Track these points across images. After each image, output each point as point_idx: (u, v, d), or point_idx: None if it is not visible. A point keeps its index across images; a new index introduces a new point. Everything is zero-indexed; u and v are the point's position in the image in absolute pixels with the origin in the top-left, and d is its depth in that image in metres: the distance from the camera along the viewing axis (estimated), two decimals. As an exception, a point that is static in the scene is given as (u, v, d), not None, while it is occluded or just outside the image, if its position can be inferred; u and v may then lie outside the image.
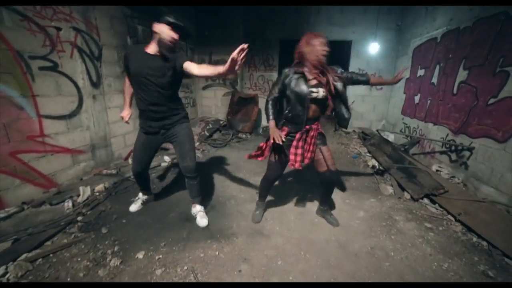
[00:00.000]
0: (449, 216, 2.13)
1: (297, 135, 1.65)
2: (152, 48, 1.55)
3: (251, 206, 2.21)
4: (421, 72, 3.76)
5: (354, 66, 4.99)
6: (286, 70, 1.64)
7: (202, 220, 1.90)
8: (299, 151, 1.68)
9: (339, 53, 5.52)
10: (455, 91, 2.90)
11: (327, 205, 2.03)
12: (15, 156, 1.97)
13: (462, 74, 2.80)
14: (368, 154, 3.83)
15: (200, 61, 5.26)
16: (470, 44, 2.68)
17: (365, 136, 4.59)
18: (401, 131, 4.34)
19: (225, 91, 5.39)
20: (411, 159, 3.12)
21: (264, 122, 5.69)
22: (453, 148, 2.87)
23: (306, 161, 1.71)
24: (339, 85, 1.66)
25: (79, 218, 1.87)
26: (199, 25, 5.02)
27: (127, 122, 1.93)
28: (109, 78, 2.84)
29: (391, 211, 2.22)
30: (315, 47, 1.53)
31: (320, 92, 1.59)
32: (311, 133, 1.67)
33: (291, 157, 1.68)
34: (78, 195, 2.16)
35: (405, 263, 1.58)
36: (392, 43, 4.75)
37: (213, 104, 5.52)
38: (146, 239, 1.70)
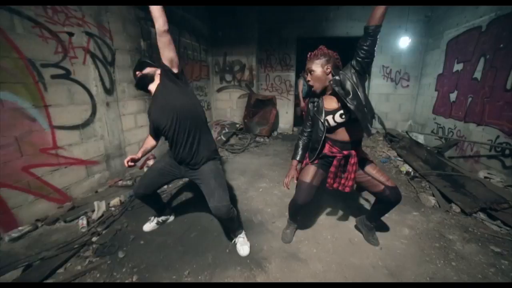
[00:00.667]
0: (518, 236, 1.80)
1: (335, 162, 1.47)
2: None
3: (281, 222, 1.98)
4: (458, 67, 3.39)
5: (378, 63, 4.65)
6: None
7: (243, 248, 1.62)
8: (337, 180, 1.53)
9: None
10: (509, 86, 2.53)
11: (374, 222, 1.73)
12: (28, 171, 1.85)
13: (519, 66, 2.43)
14: (399, 159, 3.50)
15: (214, 63, 5.09)
16: (529, 31, 2.32)
17: (392, 138, 4.24)
18: (432, 132, 3.96)
19: (240, 93, 5.19)
20: (454, 165, 2.78)
21: (282, 125, 5.45)
22: (507, 152, 2.51)
23: (347, 189, 1.49)
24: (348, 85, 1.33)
25: (94, 239, 1.71)
26: (212, 26, 4.85)
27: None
28: (122, 83, 2.70)
29: (441, 227, 1.91)
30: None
31: (334, 119, 1.42)
32: (352, 160, 1.44)
33: (329, 180, 1.53)
34: (93, 211, 2.02)
35: (478, 300, 1.30)
36: (419, 36, 4.37)
37: (228, 107, 5.34)
38: (167, 265, 1.50)
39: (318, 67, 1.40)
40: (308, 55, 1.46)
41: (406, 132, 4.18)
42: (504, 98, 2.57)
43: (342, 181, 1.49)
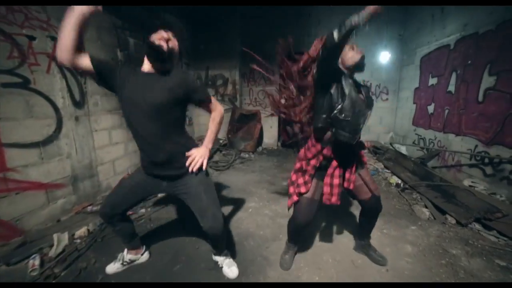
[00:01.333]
0: (516, 246, 1.77)
1: (334, 162, 1.32)
2: (145, 66, 1.18)
3: (275, 246, 1.78)
4: (433, 81, 3.59)
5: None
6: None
7: (231, 270, 1.47)
8: (337, 181, 1.32)
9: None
10: (480, 98, 2.68)
11: (368, 239, 1.67)
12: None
13: (488, 80, 2.59)
14: (386, 170, 3.51)
15: (196, 77, 4.94)
16: (496, 48, 2.50)
17: (376, 150, 4.31)
18: (414, 142, 4.10)
19: (224, 108, 5.03)
20: (440, 175, 2.82)
21: (266, 140, 5.34)
22: (486, 160, 2.60)
23: (352, 186, 1.37)
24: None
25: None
26: (194, 39, 4.76)
27: None
28: (95, 96, 2.42)
29: (442, 242, 1.84)
30: None
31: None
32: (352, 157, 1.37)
33: (325, 189, 1.34)
34: (52, 246, 1.66)
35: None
36: (396, 53, 4.65)
37: (211, 122, 5.14)
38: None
39: None
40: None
41: (390, 143, 4.28)
42: (478, 110, 2.71)
43: (347, 176, 1.35)
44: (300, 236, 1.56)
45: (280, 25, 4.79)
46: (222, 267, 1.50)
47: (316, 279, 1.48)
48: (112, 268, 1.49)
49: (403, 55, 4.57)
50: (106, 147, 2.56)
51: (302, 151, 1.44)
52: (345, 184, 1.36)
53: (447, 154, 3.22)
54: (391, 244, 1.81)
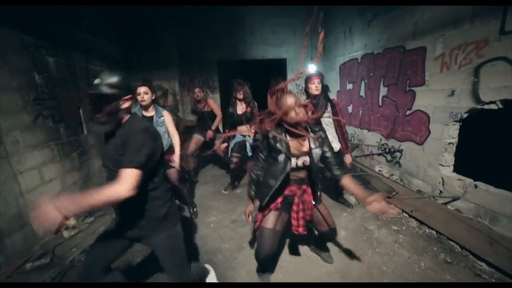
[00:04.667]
0: (404, 214, 2.54)
1: (296, 199, 1.52)
2: None
3: (241, 256, 2.03)
4: (349, 86, 4.42)
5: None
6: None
7: None
8: (301, 214, 1.53)
9: (276, 70, 5.90)
10: (380, 103, 3.52)
11: (320, 248, 1.99)
12: None
13: (383, 90, 3.43)
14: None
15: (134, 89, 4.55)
16: (384, 66, 3.32)
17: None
18: (339, 136, 4.97)
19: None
20: (360, 166, 3.60)
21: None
22: (387, 150, 3.48)
23: (308, 217, 1.56)
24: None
25: None
26: (125, 49, 4.36)
27: None
28: (13, 132, 2.06)
29: (364, 222, 2.47)
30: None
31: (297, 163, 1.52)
32: (308, 190, 1.57)
33: (293, 222, 1.54)
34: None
35: (397, 274, 1.77)
36: (321, 60, 5.40)
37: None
38: None
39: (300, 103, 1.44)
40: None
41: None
42: (379, 112, 3.56)
43: (301, 214, 1.53)
44: (267, 264, 1.75)
45: (216, 33, 4.88)
46: None
47: (279, 276, 1.81)
48: None
49: (325, 61, 5.37)
50: (38, 188, 2.23)
51: None
52: (301, 222, 1.54)
53: (364, 146, 4.10)
54: (340, 233, 2.27)
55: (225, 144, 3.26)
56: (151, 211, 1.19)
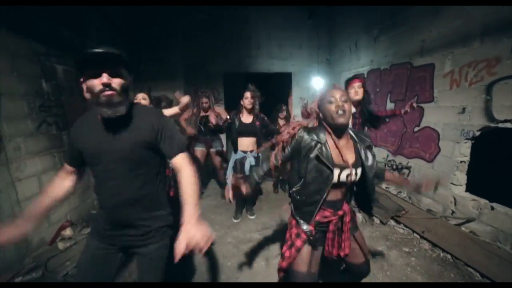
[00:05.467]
0: (415, 235, 2.42)
1: (331, 227, 1.23)
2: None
3: (245, 275, 1.92)
4: (354, 101, 4.40)
5: (296, 95, 5.43)
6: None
7: None
8: (336, 244, 1.25)
9: (282, 84, 5.95)
10: (387, 119, 3.47)
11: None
12: None
13: (390, 105, 3.40)
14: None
15: (138, 98, 4.59)
16: (391, 82, 3.31)
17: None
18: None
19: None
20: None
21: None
22: (394, 167, 3.39)
23: (347, 250, 1.25)
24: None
25: None
26: (133, 58, 4.44)
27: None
28: (16, 139, 2.03)
29: (372, 241, 2.34)
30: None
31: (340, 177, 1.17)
32: (347, 219, 1.23)
33: (327, 248, 1.27)
34: None
35: (411, 302, 1.64)
36: (326, 74, 5.43)
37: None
38: None
39: (349, 99, 1.16)
40: (334, 85, 1.28)
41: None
42: (386, 128, 3.51)
43: (342, 244, 1.24)
44: None
45: (222, 47, 4.95)
46: None
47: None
48: None
49: (331, 76, 5.40)
50: (36, 197, 2.17)
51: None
52: (341, 253, 1.24)
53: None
54: None
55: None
56: (166, 207, 1.13)
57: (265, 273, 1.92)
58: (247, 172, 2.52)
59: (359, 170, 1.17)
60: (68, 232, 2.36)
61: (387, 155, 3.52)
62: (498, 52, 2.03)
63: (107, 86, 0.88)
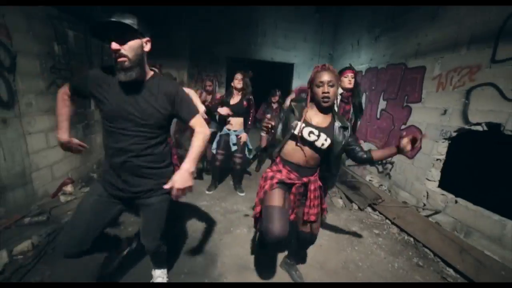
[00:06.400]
0: (387, 221, 2.66)
1: (293, 189, 1.38)
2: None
3: (228, 237, 2.14)
4: (350, 97, 4.57)
5: (296, 85, 5.56)
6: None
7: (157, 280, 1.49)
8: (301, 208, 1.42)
9: (283, 73, 6.07)
10: (378, 116, 3.67)
11: (294, 260, 1.74)
12: None
13: (382, 103, 3.58)
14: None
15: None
16: (386, 81, 3.48)
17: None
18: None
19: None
20: (352, 173, 3.73)
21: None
22: (379, 161, 3.61)
23: (312, 217, 1.39)
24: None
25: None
26: (146, 23, 4.51)
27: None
28: (28, 95, 2.18)
29: (348, 223, 2.58)
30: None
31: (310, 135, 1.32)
32: (312, 187, 1.37)
33: (292, 205, 1.40)
34: (-14, 265, 1.54)
35: (371, 270, 1.89)
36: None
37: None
38: None
39: (336, 82, 1.30)
40: (321, 66, 1.35)
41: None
42: (377, 124, 3.71)
43: (306, 210, 1.39)
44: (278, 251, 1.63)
45: (228, 31, 5.03)
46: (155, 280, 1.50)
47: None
48: None
49: (331, 72, 5.53)
50: (43, 151, 2.34)
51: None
52: (305, 218, 1.40)
53: (357, 155, 4.24)
54: (324, 231, 2.38)
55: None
56: (165, 167, 1.24)
57: (246, 238, 2.15)
58: (233, 147, 2.83)
59: (326, 139, 1.30)
60: (69, 188, 2.55)
61: (374, 150, 3.74)
62: (479, 61, 2.21)
63: (116, 52, 0.98)
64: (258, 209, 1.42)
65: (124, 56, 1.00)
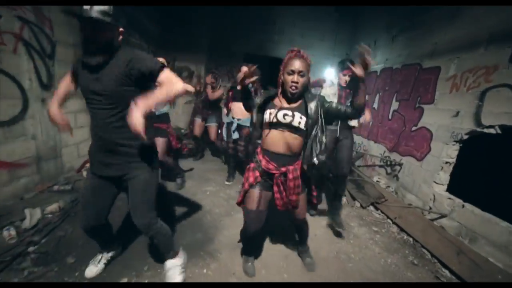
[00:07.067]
0: (388, 220, 2.65)
1: (274, 180, 1.41)
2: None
3: (228, 219, 2.28)
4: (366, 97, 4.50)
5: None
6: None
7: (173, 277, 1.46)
8: (284, 195, 1.43)
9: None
10: (390, 117, 3.61)
11: (303, 247, 1.86)
12: None
13: (394, 104, 3.52)
14: (323, 166, 4.33)
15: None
16: (400, 82, 3.41)
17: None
18: (347, 145, 5.06)
19: (187, 99, 5.26)
20: (359, 172, 3.71)
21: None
22: (388, 163, 3.55)
23: (293, 203, 1.45)
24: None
25: (31, 248, 1.59)
26: (162, 29, 4.81)
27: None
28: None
29: (347, 218, 2.61)
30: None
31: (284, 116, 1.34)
32: (290, 176, 1.36)
33: (278, 202, 1.45)
34: (23, 219, 1.82)
35: (362, 263, 1.92)
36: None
37: (174, 112, 5.30)
38: (124, 264, 1.58)
39: (306, 71, 1.31)
40: (295, 53, 1.34)
41: (329, 144, 5.17)
42: (388, 125, 3.65)
43: (285, 198, 1.43)
44: (251, 245, 1.73)
45: (247, 28, 5.17)
46: (167, 271, 1.46)
47: (262, 272, 2.02)
48: (91, 271, 1.46)
49: (347, 71, 5.47)
50: (74, 129, 2.64)
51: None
52: (289, 206, 1.47)
53: (367, 156, 4.18)
54: (313, 220, 2.47)
55: None
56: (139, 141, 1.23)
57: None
58: (232, 137, 2.99)
59: (301, 117, 1.32)
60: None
61: (384, 151, 3.68)
62: (497, 61, 2.13)
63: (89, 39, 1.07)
64: (240, 199, 1.52)
65: (95, 42, 1.08)
